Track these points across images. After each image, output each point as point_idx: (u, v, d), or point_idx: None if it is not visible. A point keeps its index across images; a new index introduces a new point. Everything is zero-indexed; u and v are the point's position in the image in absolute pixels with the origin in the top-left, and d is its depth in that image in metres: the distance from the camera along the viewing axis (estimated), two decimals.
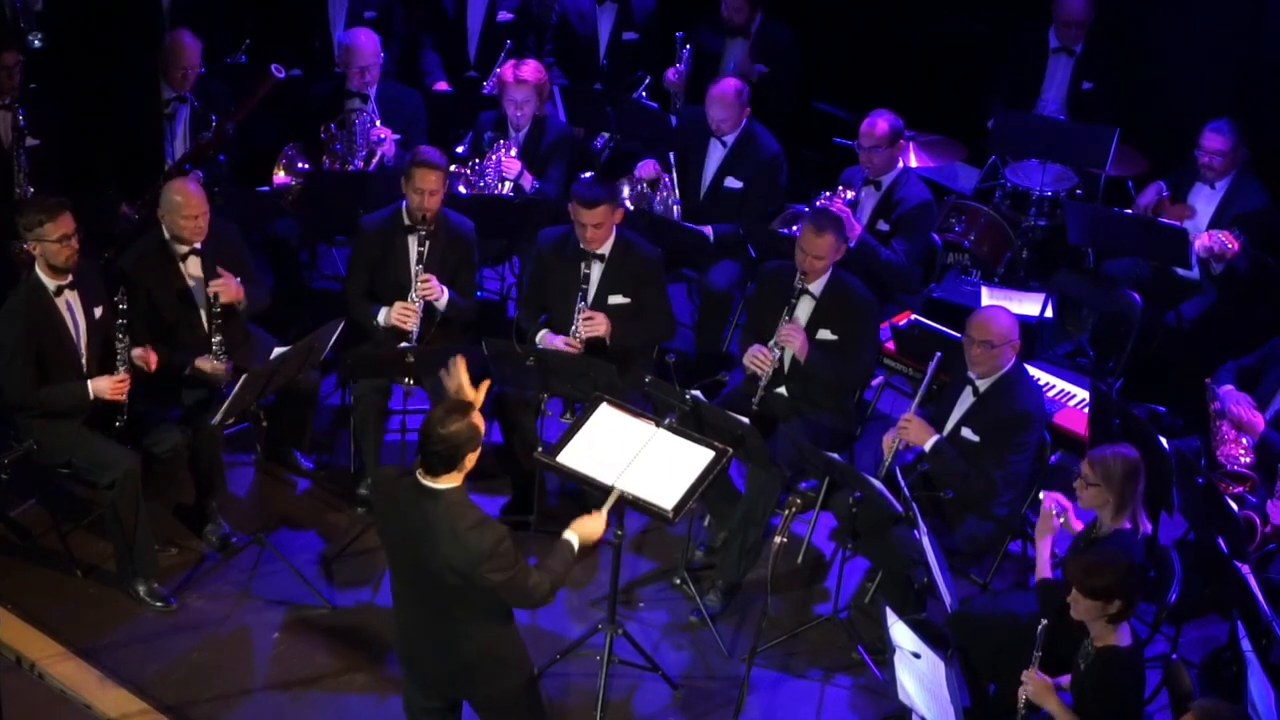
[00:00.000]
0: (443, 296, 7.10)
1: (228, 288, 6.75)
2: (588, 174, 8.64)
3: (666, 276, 7.31)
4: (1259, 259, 7.65)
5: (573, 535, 5.30)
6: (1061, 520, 5.88)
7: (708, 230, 7.93)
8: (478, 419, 5.04)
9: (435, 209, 7.07)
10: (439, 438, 4.95)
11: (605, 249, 7.02)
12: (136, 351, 6.47)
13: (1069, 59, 8.94)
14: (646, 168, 8.26)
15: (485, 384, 5.42)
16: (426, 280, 7.04)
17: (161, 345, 6.67)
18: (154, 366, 6.49)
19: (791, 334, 6.78)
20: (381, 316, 7.10)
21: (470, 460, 5.03)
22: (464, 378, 5.38)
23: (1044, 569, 5.93)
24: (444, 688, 5.33)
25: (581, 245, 6.99)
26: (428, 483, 5.00)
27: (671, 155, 8.27)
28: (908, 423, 6.42)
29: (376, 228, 7.22)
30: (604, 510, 5.44)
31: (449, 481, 5.00)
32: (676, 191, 8.14)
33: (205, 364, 6.73)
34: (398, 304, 7.05)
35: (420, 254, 7.05)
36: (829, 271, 6.85)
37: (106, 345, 6.45)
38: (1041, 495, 6.07)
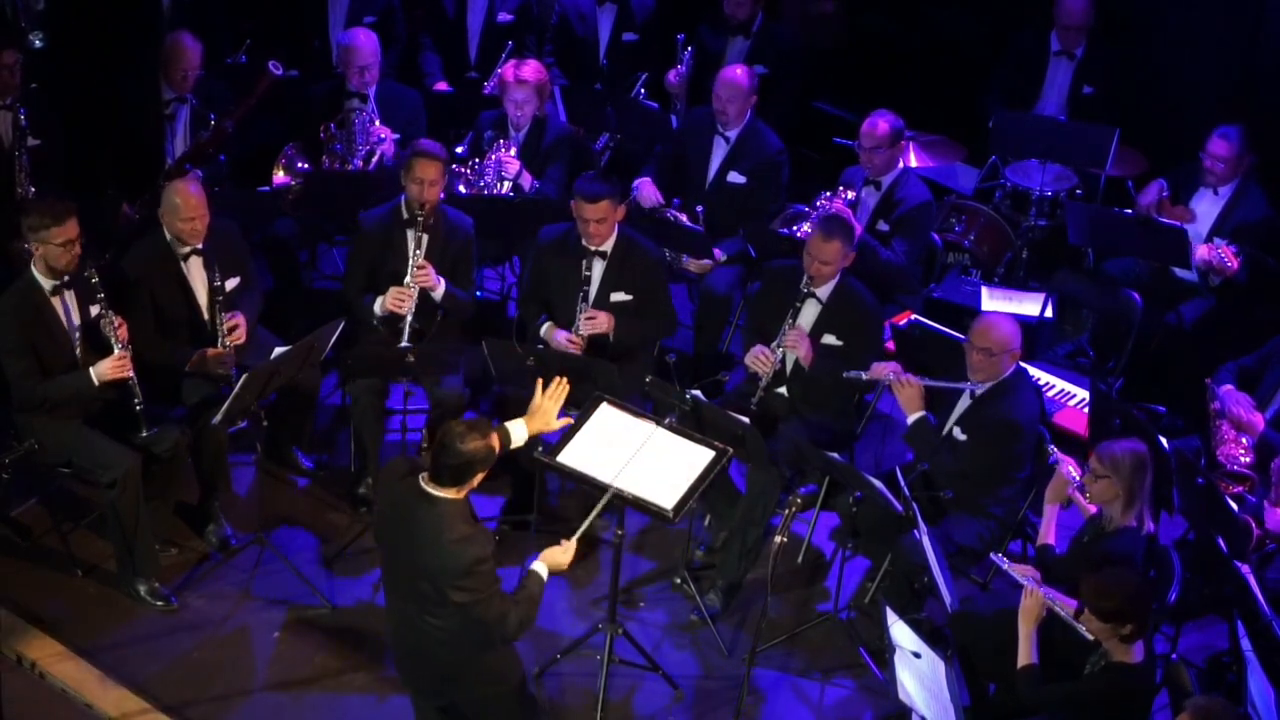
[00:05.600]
0: (439, 286, 7.04)
1: (239, 330, 6.76)
2: (589, 174, 8.67)
3: (667, 277, 7.30)
4: (1259, 259, 7.65)
5: (541, 566, 5.27)
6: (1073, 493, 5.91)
7: (718, 253, 7.91)
8: (495, 442, 5.05)
9: (435, 200, 7.03)
10: (456, 453, 4.94)
11: (607, 246, 7.01)
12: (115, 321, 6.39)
13: (1070, 62, 8.94)
14: (647, 190, 8.17)
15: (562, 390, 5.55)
16: (423, 267, 6.98)
17: (165, 343, 6.70)
18: (124, 335, 6.38)
19: (797, 340, 6.76)
20: (377, 305, 7.04)
21: (477, 480, 5.05)
22: (552, 406, 5.49)
23: (1048, 534, 5.95)
24: (431, 687, 5.35)
25: (584, 242, 6.97)
26: (430, 489, 5.00)
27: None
28: (908, 384, 6.45)
29: (375, 223, 7.19)
30: (573, 540, 5.38)
31: (451, 494, 5.01)
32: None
33: (212, 352, 6.69)
34: (393, 288, 6.98)
35: (418, 245, 6.99)
36: (837, 277, 6.85)
37: (101, 346, 6.43)
38: (1054, 455, 6.10)
